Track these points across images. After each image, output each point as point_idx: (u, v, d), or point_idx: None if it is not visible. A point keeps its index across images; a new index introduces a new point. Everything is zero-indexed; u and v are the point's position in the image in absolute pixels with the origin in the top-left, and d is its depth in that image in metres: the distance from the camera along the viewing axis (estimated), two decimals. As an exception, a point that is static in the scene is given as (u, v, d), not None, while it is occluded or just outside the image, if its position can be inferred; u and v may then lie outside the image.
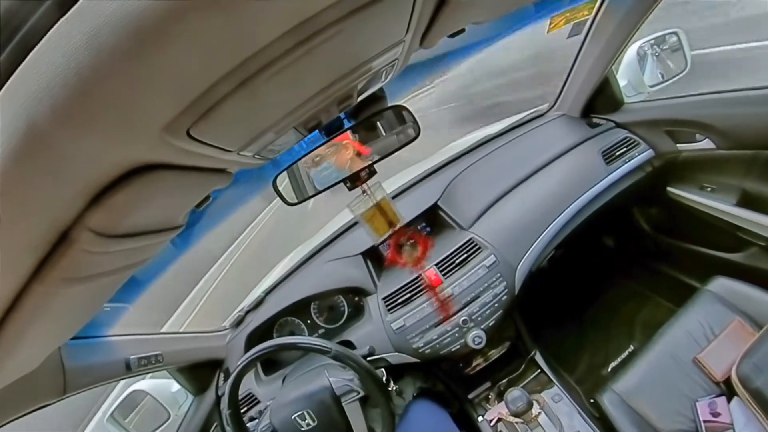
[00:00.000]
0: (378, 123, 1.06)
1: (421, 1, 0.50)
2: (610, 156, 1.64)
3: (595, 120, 1.80)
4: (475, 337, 1.33)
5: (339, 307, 1.67)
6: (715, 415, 1.18)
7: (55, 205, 0.38)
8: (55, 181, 0.36)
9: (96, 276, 0.52)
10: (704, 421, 1.18)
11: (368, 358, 1.26)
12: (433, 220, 1.73)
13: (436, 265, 1.48)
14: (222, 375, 1.56)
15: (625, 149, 1.65)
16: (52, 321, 0.57)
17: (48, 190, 0.36)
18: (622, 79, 1.71)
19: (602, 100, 1.74)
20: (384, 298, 1.49)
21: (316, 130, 0.87)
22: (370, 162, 1.04)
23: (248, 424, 1.17)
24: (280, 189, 1.08)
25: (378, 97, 0.98)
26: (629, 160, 1.62)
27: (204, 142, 0.43)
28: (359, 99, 0.89)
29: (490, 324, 1.36)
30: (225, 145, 0.51)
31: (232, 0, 0.28)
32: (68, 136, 0.32)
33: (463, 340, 1.34)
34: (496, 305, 1.37)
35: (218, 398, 1.45)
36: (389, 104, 1.01)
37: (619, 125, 1.74)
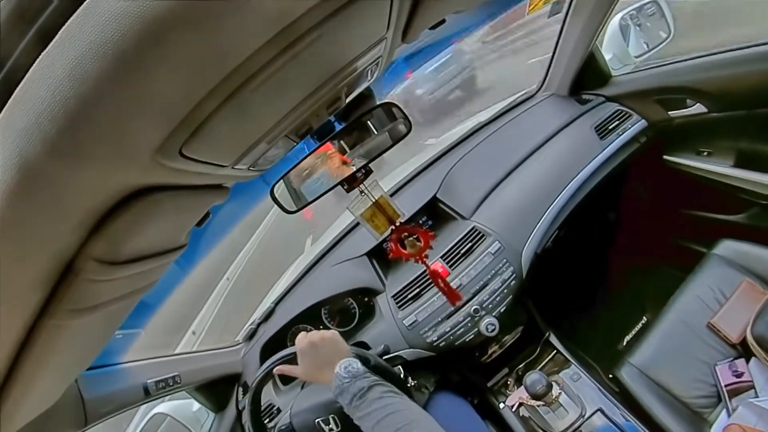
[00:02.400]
0: (369, 122, 1.06)
1: None
2: (603, 130, 1.63)
3: (584, 96, 1.80)
4: (488, 325, 1.32)
5: (350, 310, 1.67)
6: (738, 375, 1.18)
7: (56, 239, 0.38)
8: (54, 215, 0.36)
9: (105, 304, 0.52)
10: (725, 385, 1.18)
11: (384, 357, 1.26)
12: (434, 213, 1.73)
13: (441, 257, 1.48)
14: (241, 389, 1.56)
15: (617, 122, 1.64)
16: (66, 353, 0.57)
17: (48, 224, 0.36)
18: (607, 53, 1.70)
19: (590, 75, 1.73)
20: (393, 296, 1.49)
21: (308, 136, 0.87)
22: (364, 163, 1.04)
23: None
24: (278, 198, 1.08)
25: (366, 96, 0.98)
26: (623, 133, 1.62)
27: (197, 159, 0.43)
28: (347, 100, 0.89)
29: (502, 310, 1.36)
30: (219, 160, 0.51)
31: (210, 16, 0.28)
32: (62, 168, 0.32)
33: (476, 329, 1.34)
34: (505, 291, 1.37)
35: (239, 413, 1.46)
36: (378, 102, 1.01)
37: (609, 99, 1.74)
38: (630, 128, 1.62)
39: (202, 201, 0.59)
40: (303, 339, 1.00)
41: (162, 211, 0.47)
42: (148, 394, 1.22)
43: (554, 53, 1.72)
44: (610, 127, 1.64)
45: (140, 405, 1.23)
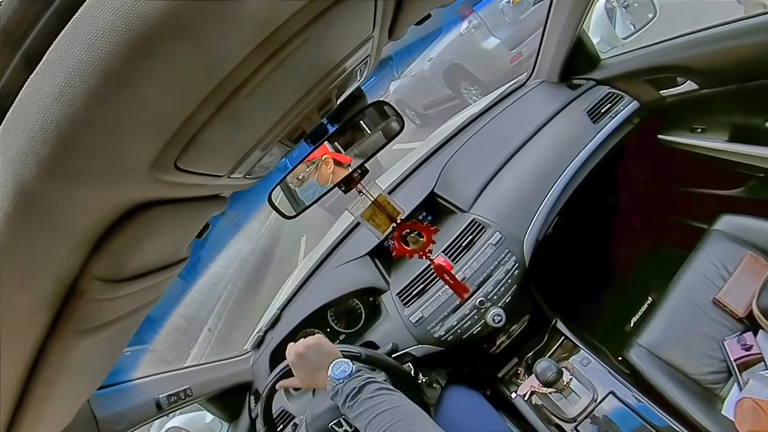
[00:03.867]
0: (361, 122, 1.06)
1: None
2: (596, 114, 1.63)
3: (575, 81, 1.80)
4: (495, 316, 1.33)
5: (355, 311, 1.67)
6: (747, 348, 1.18)
7: (58, 261, 0.38)
8: (54, 237, 0.36)
9: (111, 322, 0.52)
10: (735, 359, 1.18)
11: (393, 355, 1.26)
12: (433, 209, 1.73)
13: (443, 251, 1.48)
14: (252, 397, 1.56)
15: (609, 105, 1.64)
16: (77, 374, 0.57)
17: (49, 246, 0.36)
18: (595, 36, 1.70)
19: (579, 60, 1.73)
20: (398, 294, 1.49)
21: (302, 140, 0.87)
22: (358, 165, 1.04)
23: None
24: (276, 204, 1.08)
25: (357, 96, 0.98)
26: (615, 115, 1.62)
27: (193, 171, 0.43)
28: (339, 102, 0.89)
29: (507, 300, 1.36)
30: (214, 170, 0.50)
31: (197, 26, 0.28)
32: (58, 190, 0.32)
33: (483, 321, 1.34)
34: (509, 281, 1.37)
35: (253, 421, 1.46)
36: (369, 102, 1.01)
37: (599, 82, 1.74)
38: (622, 110, 1.62)
39: (201, 212, 0.59)
40: (290, 351, 1.02)
41: (162, 225, 0.47)
42: (160, 408, 1.22)
43: (542, 40, 1.72)
44: (603, 110, 1.64)
45: (153, 420, 1.23)
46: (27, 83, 0.28)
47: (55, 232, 0.35)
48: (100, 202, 0.37)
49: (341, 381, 0.87)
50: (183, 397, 1.31)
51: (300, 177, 1.08)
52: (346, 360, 0.93)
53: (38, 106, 0.28)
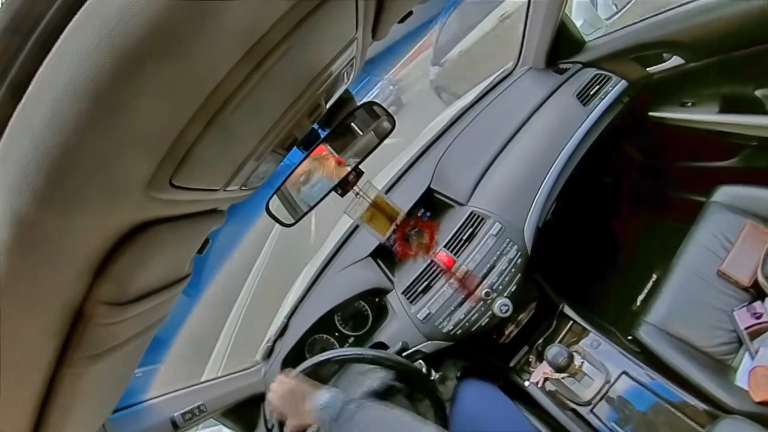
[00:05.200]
0: (352, 124, 1.06)
1: None
2: (585, 97, 1.63)
3: (561, 66, 1.80)
4: (501, 306, 1.33)
5: (362, 313, 1.67)
6: (758, 317, 1.18)
7: (62, 288, 0.38)
8: (55, 265, 0.36)
9: (120, 345, 0.52)
10: (745, 328, 1.18)
11: (403, 354, 1.26)
12: (431, 204, 1.73)
13: (445, 246, 1.48)
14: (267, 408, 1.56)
15: (598, 86, 1.64)
16: (89, 400, 0.57)
17: (51, 275, 0.36)
18: (578, 20, 1.71)
19: (563, 44, 1.73)
20: (403, 292, 1.49)
21: (295, 147, 0.87)
22: (355, 164, 1.04)
23: None
24: (274, 213, 1.08)
25: (346, 99, 0.98)
26: (605, 96, 1.62)
27: (189, 187, 0.43)
28: (328, 106, 0.89)
29: (512, 289, 1.36)
30: (210, 185, 0.50)
31: (181, 41, 0.28)
32: (56, 218, 0.32)
33: (490, 312, 1.34)
34: (513, 270, 1.37)
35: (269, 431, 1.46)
36: (358, 103, 1.01)
37: (586, 65, 1.74)
38: (611, 90, 1.63)
39: (200, 228, 0.59)
40: (268, 407, 1.08)
41: (162, 244, 0.47)
42: (176, 427, 1.22)
43: (525, 27, 1.72)
44: (592, 93, 1.64)
45: (170, 439, 1.23)
46: (15, 114, 0.28)
47: (57, 261, 0.35)
48: (99, 226, 0.37)
49: (321, 416, 0.89)
50: (198, 414, 1.31)
51: (300, 178, 1.07)
52: (322, 391, 0.96)
53: (28, 136, 0.28)
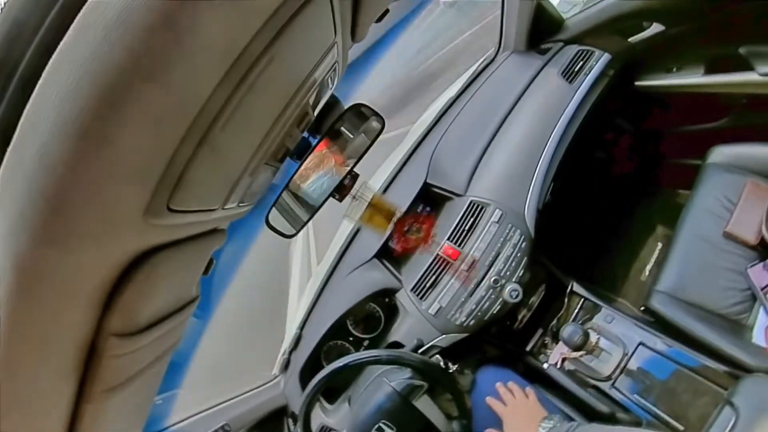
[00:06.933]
0: (342, 128, 1.06)
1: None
2: (570, 74, 1.63)
3: (543, 47, 1.80)
4: (511, 292, 1.33)
5: (374, 314, 1.67)
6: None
7: (71, 326, 0.38)
8: (62, 304, 0.36)
9: (136, 375, 0.52)
10: (763, 287, 1.18)
11: (419, 351, 1.26)
12: (430, 199, 1.73)
13: (448, 238, 1.48)
14: (290, 420, 1.56)
15: (582, 63, 1.64)
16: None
17: (58, 314, 0.36)
18: (554, -1, 1.70)
19: (543, 25, 1.73)
20: (412, 289, 1.49)
21: (287, 158, 0.87)
22: (349, 167, 1.04)
23: None
24: (274, 225, 1.08)
25: (332, 104, 0.98)
26: (590, 71, 1.62)
27: (187, 210, 0.43)
28: (316, 113, 0.89)
29: (520, 274, 1.36)
30: (208, 205, 0.50)
31: (161, 66, 0.28)
32: (57, 256, 0.32)
33: (501, 299, 1.34)
34: (519, 254, 1.37)
35: None
36: (345, 107, 1.01)
37: (567, 42, 1.74)
38: (595, 65, 1.63)
39: (203, 249, 0.59)
40: (504, 398, 1.17)
41: (167, 269, 0.47)
42: None
43: (502, 11, 1.71)
44: (576, 69, 1.64)
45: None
46: (6, 158, 0.28)
47: (63, 299, 0.35)
48: (101, 258, 0.37)
49: None
50: None
51: (304, 176, 1.07)
52: (548, 420, 1.03)
53: (21, 178, 0.28)
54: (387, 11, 0.76)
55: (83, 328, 0.40)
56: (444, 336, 1.37)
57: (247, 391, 1.58)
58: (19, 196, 0.28)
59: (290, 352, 1.68)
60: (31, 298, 0.32)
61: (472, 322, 1.35)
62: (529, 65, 1.76)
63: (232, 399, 1.52)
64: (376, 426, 1.11)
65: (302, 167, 1.04)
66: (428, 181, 1.68)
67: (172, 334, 0.59)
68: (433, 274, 1.45)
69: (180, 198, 0.39)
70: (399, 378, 1.18)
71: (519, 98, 1.69)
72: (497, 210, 1.43)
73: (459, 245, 1.45)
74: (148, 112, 0.30)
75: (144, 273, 0.42)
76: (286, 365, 1.68)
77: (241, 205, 0.66)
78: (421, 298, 1.45)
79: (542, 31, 1.76)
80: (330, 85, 0.82)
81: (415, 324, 1.44)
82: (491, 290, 1.35)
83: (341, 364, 1.12)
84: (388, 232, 1.15)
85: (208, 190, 0.49)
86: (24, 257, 0.30)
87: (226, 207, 0.57)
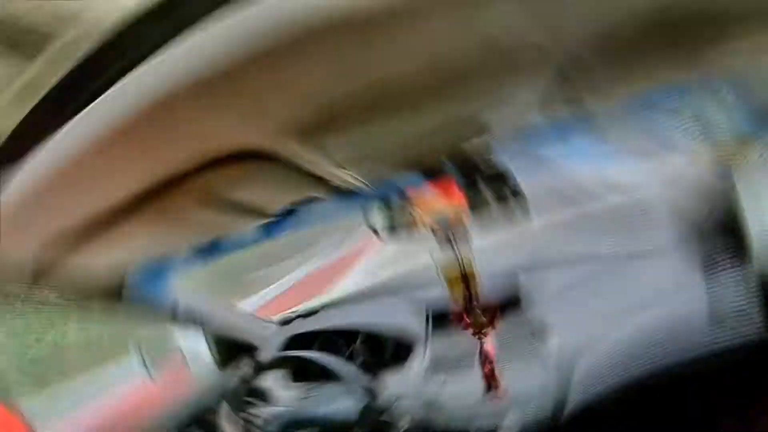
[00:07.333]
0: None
1: None
2: None
3: None
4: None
5: (386, 343, 1.60)
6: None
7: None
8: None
9: None
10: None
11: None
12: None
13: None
14: (252, 361, 1.56)
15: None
16: None
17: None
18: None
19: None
20: (431, 357, 1.44)
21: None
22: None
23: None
24: None
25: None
26: None
27: (325, 152, 0.45)
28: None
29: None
30: (338, 161, 0.52)
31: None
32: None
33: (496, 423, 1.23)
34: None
35: (242, 380, 1.46)
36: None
37: None
38: None
39: (301, 188, 0.61)
40: None
41: (264, 176, 0.49)
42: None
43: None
44: None
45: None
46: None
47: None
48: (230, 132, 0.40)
49: None
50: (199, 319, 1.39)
51: None
52: None
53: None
54: None
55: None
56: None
57: (245, 312, 1.63)
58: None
59: (298, 315, 1.68)
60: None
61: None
62: None
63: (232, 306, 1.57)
64: None
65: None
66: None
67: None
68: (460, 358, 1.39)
69: (330, 140, 0.41)
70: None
71: None
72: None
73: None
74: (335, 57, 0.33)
75: (255, 165, 0.45)
76: (286, 322, 1.68)
77: (356, 178, 0.66)
78: (433, 371, 1.41)
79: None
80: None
81: (408, 387, 1.39)
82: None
83: (331, 367, 1.11)
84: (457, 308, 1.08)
85: (358, 150, 0.51)
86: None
87: (347, 170, 0.58)
